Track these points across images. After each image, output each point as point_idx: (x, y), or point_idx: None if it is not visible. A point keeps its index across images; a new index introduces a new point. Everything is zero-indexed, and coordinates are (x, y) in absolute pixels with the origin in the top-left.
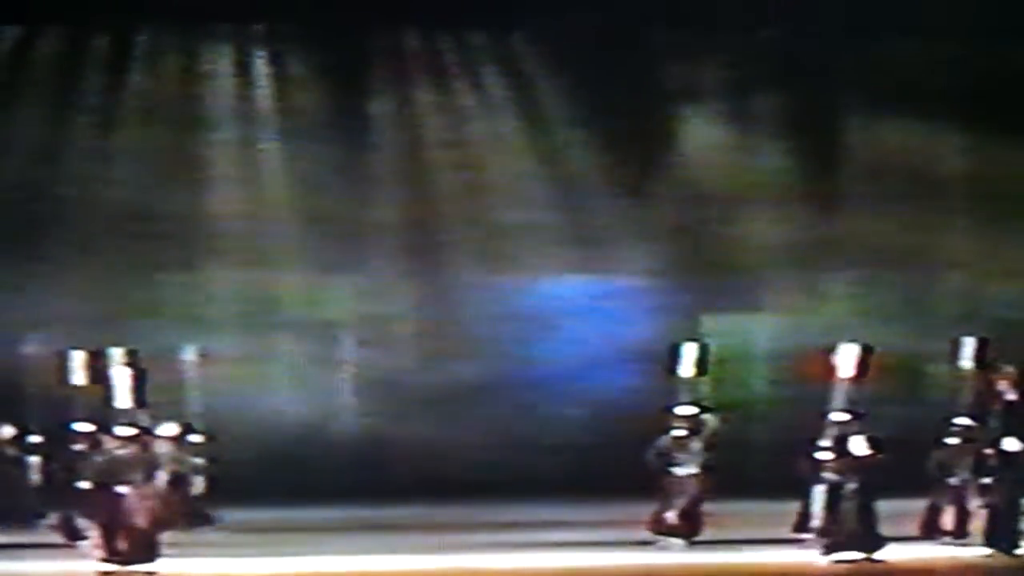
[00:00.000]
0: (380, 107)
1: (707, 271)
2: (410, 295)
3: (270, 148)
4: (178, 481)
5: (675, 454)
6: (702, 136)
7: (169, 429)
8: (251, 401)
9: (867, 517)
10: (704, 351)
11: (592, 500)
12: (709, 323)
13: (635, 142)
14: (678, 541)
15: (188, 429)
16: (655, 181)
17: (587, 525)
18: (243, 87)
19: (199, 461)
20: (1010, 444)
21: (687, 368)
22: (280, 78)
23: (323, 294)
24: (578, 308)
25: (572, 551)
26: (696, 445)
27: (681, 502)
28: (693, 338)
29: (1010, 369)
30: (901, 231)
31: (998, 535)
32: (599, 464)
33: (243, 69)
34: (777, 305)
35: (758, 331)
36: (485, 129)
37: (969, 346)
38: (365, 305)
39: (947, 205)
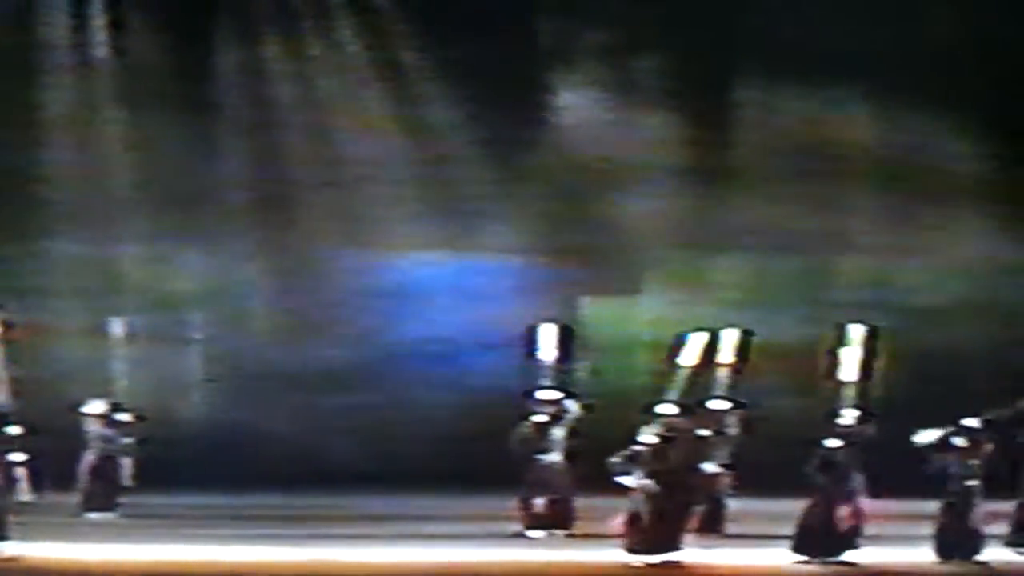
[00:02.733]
0: (226, 62)
1: (585, 250)
2: (261, 269)
3: (108, 106)
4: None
5: (538, 441)
6: (579, 102)
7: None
8: (93, 381)
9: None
10: (568, 334)
11: (460, 491)
12: (587, 306)
13: (506, 107)
14: (549, 533)
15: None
16: (527, 150)
17: (454, 518)
18: (78, 39)
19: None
20: None
21: (548, 351)
22: (118, 29)
23: (167, 266)
24: (445, 287)
25: (436, 545)
26: (559, 432)
27: (548, 492)
28: (557, 320)
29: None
30: (798, 211)
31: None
32: (467, 453)
33: (79, 19)
34: (661, 289)
35: (640, 316)
36: (341, 89)
37: (856, 333)
38: (213, 280)
39: (849, 183)
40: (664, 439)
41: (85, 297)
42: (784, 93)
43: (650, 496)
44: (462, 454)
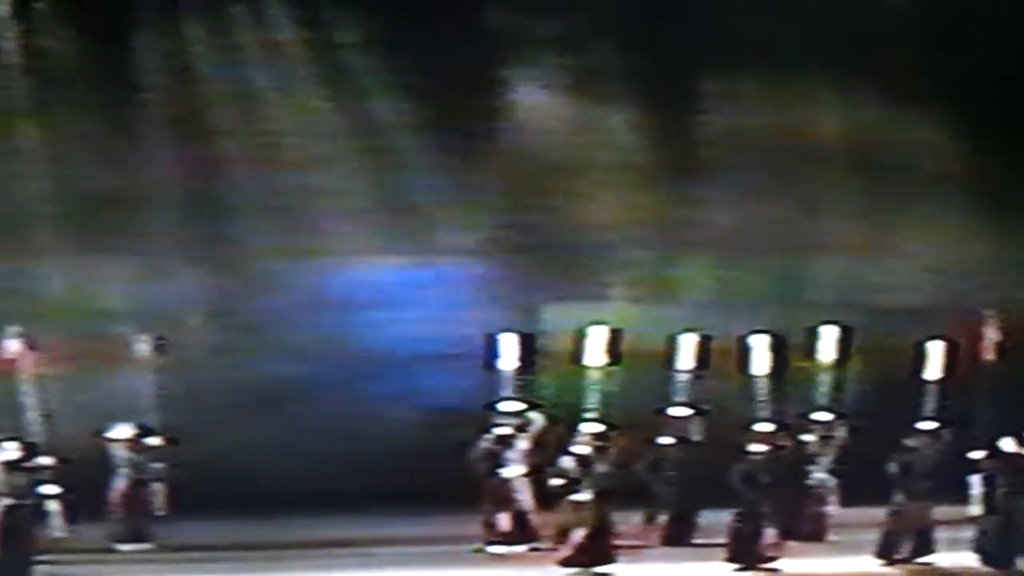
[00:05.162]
0: (149, 55)
1: (545, 253)
2: (197, 281)
3: (19, 104)
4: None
5: (500, 455)
6: (538, 96)
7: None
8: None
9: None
10: (529, 343)
11: (418, 512)
12: (549, 313)
13: (458, 102)
14: (514, 549)
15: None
16: (484, 148)
17: (412, 541)
18: None
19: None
20: None
21: (509, 361)
22: (27, 19)
23: (94, 280)
24: (396, 295)
25: (394, 570)
26: (522, 445)
27: (511, 507)
28: (516, 328)
29: None
30: (767, 209)
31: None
32: (425, 471)
33: None
34: (626, 293)
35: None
36: (279, 84)
37: (829, 336)
38: (144, 293)
39: (820, 179)
40: (598, 451)
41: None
42: (751, 85)
43: (586, 509)
44: (419, 472)
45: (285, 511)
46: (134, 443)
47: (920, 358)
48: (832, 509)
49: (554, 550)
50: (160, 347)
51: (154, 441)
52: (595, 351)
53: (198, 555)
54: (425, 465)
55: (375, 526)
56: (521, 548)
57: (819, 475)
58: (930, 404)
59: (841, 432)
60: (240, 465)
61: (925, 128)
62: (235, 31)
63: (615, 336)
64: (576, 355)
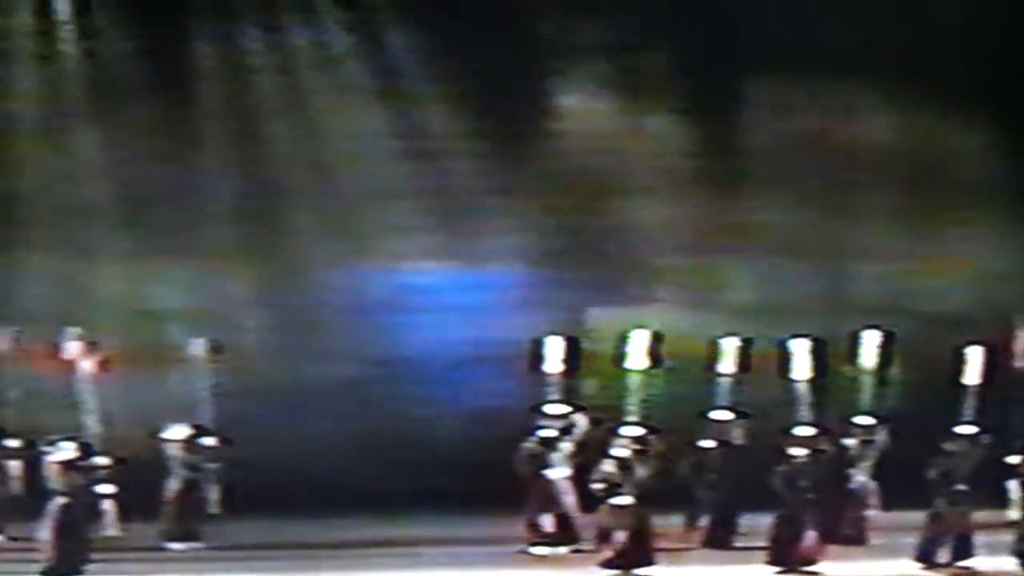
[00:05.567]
0: (206, 61)
1: (591, 258)
2: (247, 284)
3: (77, 108)
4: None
5: (544, 456)
6: (582, 103)
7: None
8: (68, 404)
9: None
10: (574, 346)
11: (464, 513)
12: (593, 316)
13: (505, 109)
14: (557, 550)
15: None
16: (530, 153)
17: (457, 541)
18: (42, 32)
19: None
20: None
21: (554, 364)
22: (83, 23)
23: (150, 281)
24: (444, 299)
25: (444, 570)
26: (566, 446)
27: (555, 507)
28: (562, 332)
29: None
30: (811, 215)
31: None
32: (471, 473)
33: (43, 17)
34: (671, 298)
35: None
36: (330, 89)
37: (872, 341)
38: (199, 295)
39: (864, 185)
40: (639, 454)
41: (56, 315)
42: (796, 91)
43: (628, 512)
44: (464, 473)
45: (334, 511)
46: (189, 443)
47: (960, 363)
48: (872, 513)
49: (596, 552)
50: (214, 348)
51: (209, 441)
52: (638, 354)
53: (248, 554)
54: (470, 466)
55: (421, 526)
56: (564, 550)
57: (860, 479)
58: (970, 409)
59: (882, 436)
60: (291, 465)
61: (970, 135)
62: (289, 37)
63: (658, 339)
64: (619, 358)
